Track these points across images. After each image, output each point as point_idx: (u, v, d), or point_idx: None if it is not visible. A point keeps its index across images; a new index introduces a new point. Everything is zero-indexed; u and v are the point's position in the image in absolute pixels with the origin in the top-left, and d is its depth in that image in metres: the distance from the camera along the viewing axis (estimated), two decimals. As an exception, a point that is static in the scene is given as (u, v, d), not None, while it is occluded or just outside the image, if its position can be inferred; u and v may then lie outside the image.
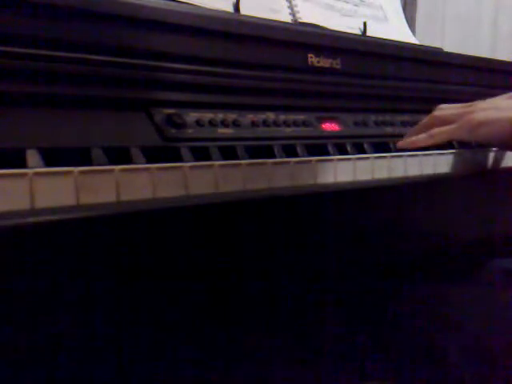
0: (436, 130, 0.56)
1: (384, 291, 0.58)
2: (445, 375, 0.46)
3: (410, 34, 0.91)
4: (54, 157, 0.37)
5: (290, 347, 0.58)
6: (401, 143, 0.58)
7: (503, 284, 0.58)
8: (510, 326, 0.46)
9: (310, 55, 0.59)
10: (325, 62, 0.61)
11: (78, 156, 0.38)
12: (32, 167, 0.34)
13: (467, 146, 0.66)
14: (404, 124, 0.68)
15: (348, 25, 0.78)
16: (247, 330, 0.53)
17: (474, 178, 0.65)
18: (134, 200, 0.37)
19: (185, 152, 0.44)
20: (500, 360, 0.44)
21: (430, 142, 0.56)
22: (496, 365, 0.44)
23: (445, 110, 0.59)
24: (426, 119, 0.60)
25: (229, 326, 0.49)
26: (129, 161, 0.40)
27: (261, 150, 0.49)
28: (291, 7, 0.70)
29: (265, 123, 0.53)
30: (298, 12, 0.70)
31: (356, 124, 0.62)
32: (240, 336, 0.53)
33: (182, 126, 0.47)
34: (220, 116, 0.50)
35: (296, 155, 0.51)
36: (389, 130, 0.65)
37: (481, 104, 0.57)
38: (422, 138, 0.57)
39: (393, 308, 0.55)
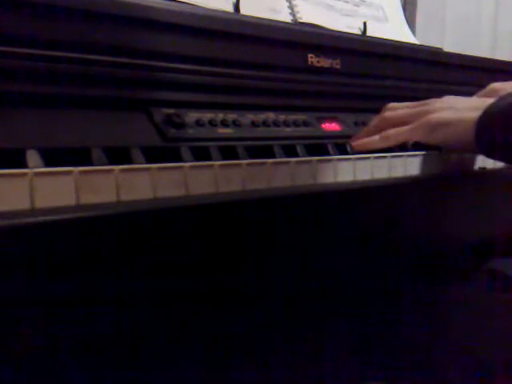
0: (391, 132, 0.53)
1: (383, 291, 0.58)
2: (443, 376, 0.46)
3: (410, 33, 0.91)
4: (54, 157, 0.37)
5: (290, 347, 0.58)
6: (355, 144, 0.55)
7: (501, 286, 0.58)
8: (508, 331, 0.45)
9: (310, 55, 0.59)
10: (325, 62, 0.61)
11: (78, 156, 0.38)
12: (32, 167, 0.34)
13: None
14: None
15: (348, 25, 0.78)
16: (246, 328, 0.53)
17: (473, 177, 0.65)
18: (134, 200, 0.37)
19: (185, 152, 0.44)
20: (498, 362, 0.44)
21: (384, 145, 0.54)
22: (495, 368, 0.44)
23: (396, 109, 0.56)
24: (375, 120, 0.56)
25: (228, 324, 0.49)
26: (129, 161, 0.40)
27: (261, 150, 0.49)
28: (291, 7, 0.70)
29: (265, 123, 0.53)
30: (298, 12, 0.70)
31: (356, 124, 0.62)
32: (239, 334, 0.53)
33: (182, 126, 0.47)
34: (220, 116, 0.50)
35: (296, 155, 0.51)
36: (389, 129, 0.65)
37: (436, 103, 0.54)
38: (375, 141, 0.54)
39: (392, 308, 0.55)
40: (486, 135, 0.47)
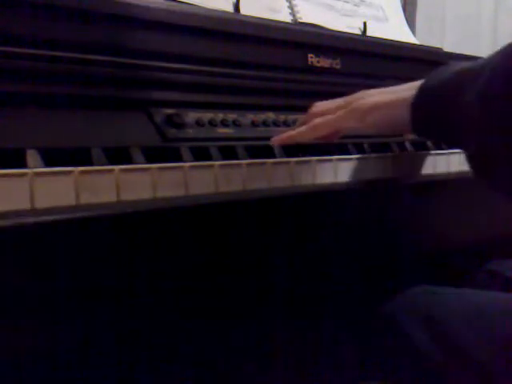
0: (318, 120, 0.49)
1: (383, 291, 0.58)
2: (443, 377, 0.47)
3: (410, 33, 0.91)
4: (54, 157, 0.37)
5: (290, 348, 0.58)
6: (275, 139, 0.50)
7: (501, 287, 0.58)
8: (508, 331, 0.45)
9: (310, 55, 0.59)
10: (325, 62, 0.61)
11: (78, 156, 0.38)
12: (32, 167, 0.34)
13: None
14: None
15: (348, 25, 0.78)
16: (246, 328, 0.53)
17: (473, 177, 0.65)
18: (134, 200, 0.37)
19: (185, 152, 0.44)
20: (498, 362, 0.44)
21: (313, 135, 0.49)
22: (495, 369, 0.44)
23: (323, 105, 0.52)
24: (303, 118, 0.53)
25: (227, 323, 0.49)
26: (129, 161, 0.40)
27: (261, 150, 0.49)
28: (291, 7, 0.70)
29: (265, 123, 0.53)
30: (298, 12, 0.70)
31: (356, 124, 0.62)
32: (239, 334, 0.53)
33: (182, 125, 0.47)
34: (220, 116, 0.50)
35: (296, 155, 0.51)
36: (389, 130, 0.65)
37: (366, 92, 0.50)
38: (303, 132, 0.49)
39: (392, 309, 0.55)
40: (422, 114, 0.44)
